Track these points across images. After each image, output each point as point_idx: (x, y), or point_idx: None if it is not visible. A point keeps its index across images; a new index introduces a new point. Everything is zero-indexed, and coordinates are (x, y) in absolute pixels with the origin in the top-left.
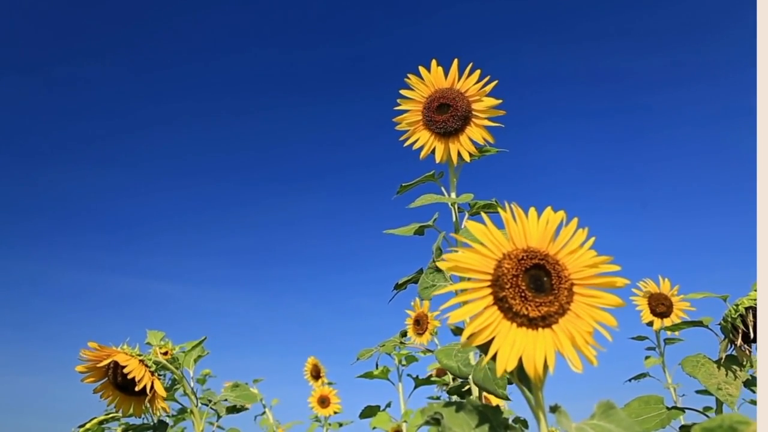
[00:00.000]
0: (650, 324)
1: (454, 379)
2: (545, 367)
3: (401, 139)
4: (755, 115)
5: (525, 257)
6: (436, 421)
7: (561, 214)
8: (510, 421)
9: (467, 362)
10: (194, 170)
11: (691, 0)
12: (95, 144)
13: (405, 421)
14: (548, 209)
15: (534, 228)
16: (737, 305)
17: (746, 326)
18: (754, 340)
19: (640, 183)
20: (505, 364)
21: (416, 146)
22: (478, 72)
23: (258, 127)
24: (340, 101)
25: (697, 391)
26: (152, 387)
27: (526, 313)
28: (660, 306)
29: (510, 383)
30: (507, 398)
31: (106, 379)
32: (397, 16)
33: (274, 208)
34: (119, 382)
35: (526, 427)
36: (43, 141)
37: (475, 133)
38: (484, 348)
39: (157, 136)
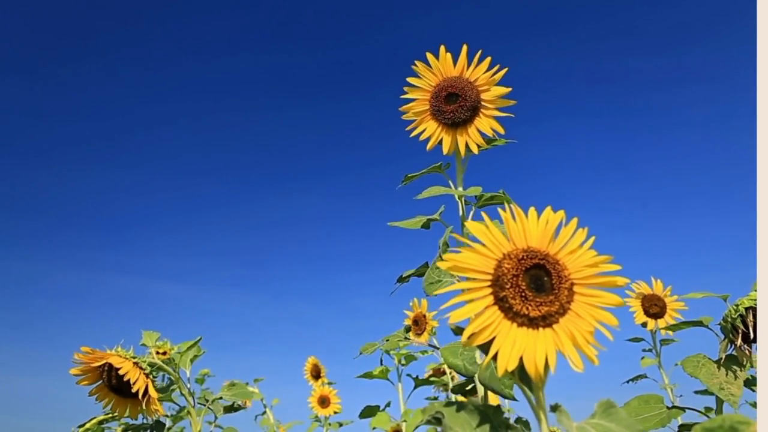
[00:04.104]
0: (644, 325)
1: (453, 379)
2: (546, 366)
3: (407, 129)
4: (755, 115)
5: (525, 257)
6: (437, 420)
7: (561, 213)
8: (512, 421)
9: (473, 360)
10: (194, 170)
11: (691, 0)
12: (95, 144)
13: (404, 421)
14: (548, 209)
15: (534, 228)
16: (737, 305)
17: (746, 326)
18: (754, 340)
19: (640, 183)
20: (506, 363)
21: (423, 137)
22: (488, 59)
23: (258, 127)
24: (341, 101)
25: (696, 392)
26: (146, 389)
27: (526, 312)
28: (653, 307)
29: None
30: (513, 398)
31: (101, 381)
32: (400, 17)
33: (274, 208)
34: (114, 385)
35: (528, 428)
36: (43, 141)
37: (484, 124)
38: (485, 348)
39: (157, 136)
